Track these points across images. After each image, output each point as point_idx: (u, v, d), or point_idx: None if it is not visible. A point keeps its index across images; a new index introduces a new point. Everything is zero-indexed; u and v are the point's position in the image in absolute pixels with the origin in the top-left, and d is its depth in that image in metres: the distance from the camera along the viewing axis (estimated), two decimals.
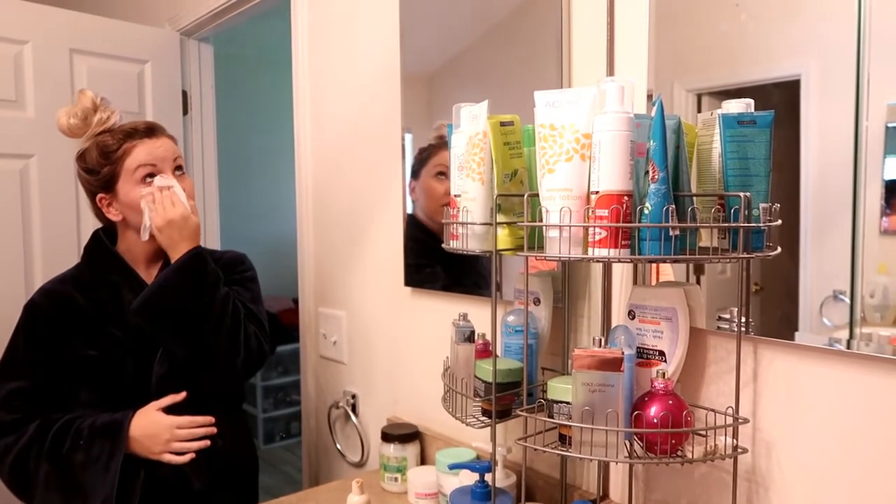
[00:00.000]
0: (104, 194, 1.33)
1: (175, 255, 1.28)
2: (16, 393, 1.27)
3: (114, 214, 1.34)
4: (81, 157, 1.34)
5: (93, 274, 1.35)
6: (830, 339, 0.86)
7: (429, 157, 1.47)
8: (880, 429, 0.83)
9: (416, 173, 1.50)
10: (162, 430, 1.26)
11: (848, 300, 0.84)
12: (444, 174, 1.41)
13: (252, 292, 1.45)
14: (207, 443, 1.29)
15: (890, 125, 0.79)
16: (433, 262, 1.46)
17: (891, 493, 0.82)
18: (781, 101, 0.89)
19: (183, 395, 1.29)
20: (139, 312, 1.25)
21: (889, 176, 0.80)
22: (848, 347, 0.84)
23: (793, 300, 0.89)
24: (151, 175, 1.31)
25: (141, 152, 1.30)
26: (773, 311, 0.93)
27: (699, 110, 0.98)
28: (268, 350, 1.40)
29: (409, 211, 1.52)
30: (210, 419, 1.30)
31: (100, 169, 1.31)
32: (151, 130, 1.34)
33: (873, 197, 0.81)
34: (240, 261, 1.48)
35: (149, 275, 1.36)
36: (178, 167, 1.35)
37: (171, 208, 1.28)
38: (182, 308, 1.25)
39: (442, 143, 1.42)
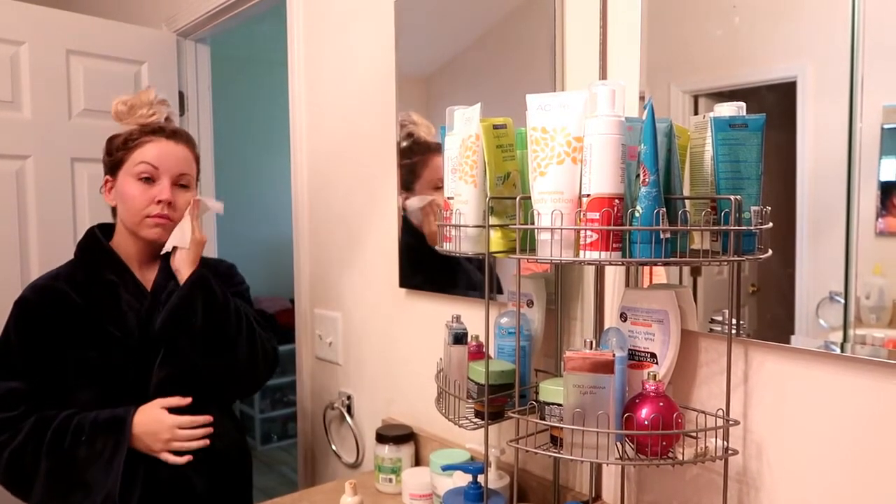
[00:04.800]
0: (110, 177, 1.37)
1: (184, 274, 1.31)
2: (11, 393, 1.26)
3: (110, 199, 1.38)
4: (110, 139, 1.37)
5: (87, 271, 1.34)
6: (826, 341, 0.86)
7: (418, 172, 1.46)
8: (869, 430, 0.83)
9: (408, 187, 1.49)
10: (163, 428, 1.26)
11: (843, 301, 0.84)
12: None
13: (251, 304, 1.49)
14: (206, 442, 1.30)
15: (886, 127, 0.80)
16: (427, 264, 1.47)
17: (880, 495, 0.82)
18: (778, 102, 0.89)
19: (189, 399, 1.30)
20: (161, 331, 1.28)
21: (884, 177, 0.80)
22: (842, 350, 0.85)
23: (789, 301, 0.89)
24: (149, 178, 1.31)
25: (151, 150, 1.33)
26: (770, 311, 0.93)
27: (696, 112, 0.98)
28: (277, 349, 1.47)
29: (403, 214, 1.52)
30: (209, 418, 1.31)
31: (115, 152, 1.35)
32: (175, 134, 1.37)
33: (868, 198, 0.81)
34: (233, 272, 1.51)
35: (143, 275, 1.36)
36: (182, 184, 1.35)
37: (200, 232, 1.35)
38: (199, 321, 1.28)
39: (429, 152, 1.42)
